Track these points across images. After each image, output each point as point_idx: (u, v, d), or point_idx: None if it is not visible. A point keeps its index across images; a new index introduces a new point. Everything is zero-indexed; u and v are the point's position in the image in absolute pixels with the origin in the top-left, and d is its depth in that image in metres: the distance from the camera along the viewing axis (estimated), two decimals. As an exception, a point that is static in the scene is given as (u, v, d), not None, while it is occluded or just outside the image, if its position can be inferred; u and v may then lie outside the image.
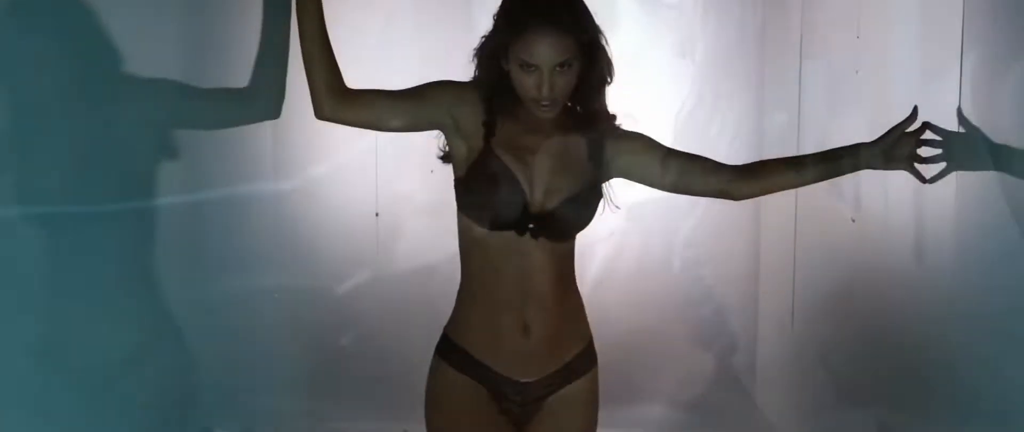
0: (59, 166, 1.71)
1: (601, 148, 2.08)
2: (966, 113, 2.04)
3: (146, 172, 1.97)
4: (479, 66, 2.06)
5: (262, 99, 2.28)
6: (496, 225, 2.02)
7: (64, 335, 1.73)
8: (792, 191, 3.23)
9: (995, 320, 1.93)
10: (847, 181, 2.80)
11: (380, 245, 3.20)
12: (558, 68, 1.93)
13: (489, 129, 2.04)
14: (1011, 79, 1.88)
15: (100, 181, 1.83)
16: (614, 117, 2.10)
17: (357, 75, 3.07)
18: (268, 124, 2.55)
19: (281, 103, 2.28)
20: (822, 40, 3.13)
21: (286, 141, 2.91)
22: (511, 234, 2.01)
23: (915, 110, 2.04)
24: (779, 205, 3.14)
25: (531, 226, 2.01)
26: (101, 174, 1.83)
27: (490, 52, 2.02)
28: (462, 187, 2.05)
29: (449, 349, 2.14)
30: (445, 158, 2.12)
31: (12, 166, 1.58)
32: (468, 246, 2.09)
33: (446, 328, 2.17)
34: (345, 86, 2.10)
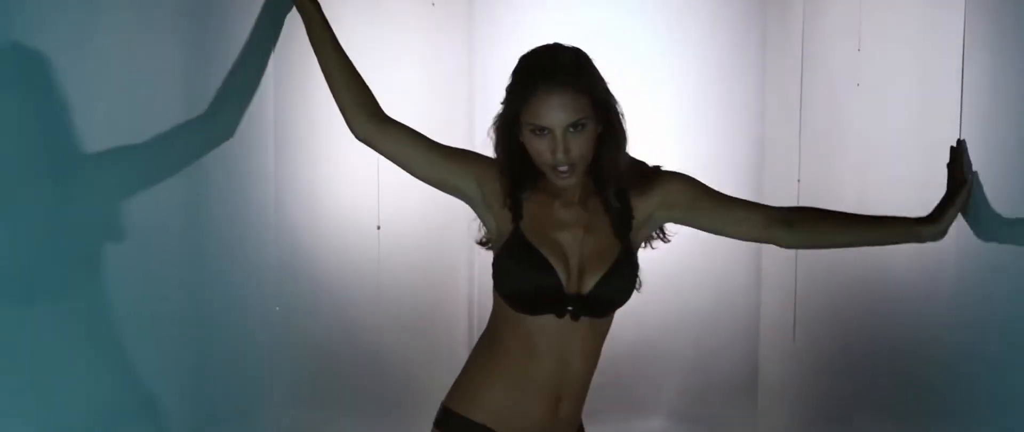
0: (59, 167, 1.71)
1: (631, 210, 2.01)
2: (967, 123, 2.04)
3: (146, 183, 1.97)
4: (497, 143, 1.99)
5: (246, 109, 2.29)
6: (534, 310, 1.97)
7: (61, 341, 1.73)
8: (794, 200, 3.24)
9: (999, 329, 1.93)
10: (849, 189, 2.80)
11: (381, 258, 3.20)
12: (571, 129, 1.87)
13: (516, 212, 1.99)
14: (1012, 91, 1.88)
15: (100, 188, 1.83)
16: (654, 170, 2.02)
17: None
18: (269, 136, 2.55)
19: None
20: (823, 53, 3.13)
21: (288, 154, 2.92)
22: (551, 318, 1.96)
23: (967, 182, 1.96)
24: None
25: (570, 308, 1.95)
26: (101, 180, 1.83)
27: (504, 124, 1.96)
28: (496, 270, 2.00)
29: (460, 425, 2.06)
30: (485, 243, 2.09)
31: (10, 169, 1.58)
32: (502, 323, 2.03)
33: (450, 402, 2.10)
34: (379, 111, 2.10)
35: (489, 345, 2.07)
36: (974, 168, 1.95)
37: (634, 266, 2.01)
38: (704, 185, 2.04)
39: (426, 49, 3.26)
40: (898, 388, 2.48)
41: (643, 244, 2.07)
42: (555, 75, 1.87)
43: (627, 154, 1.99)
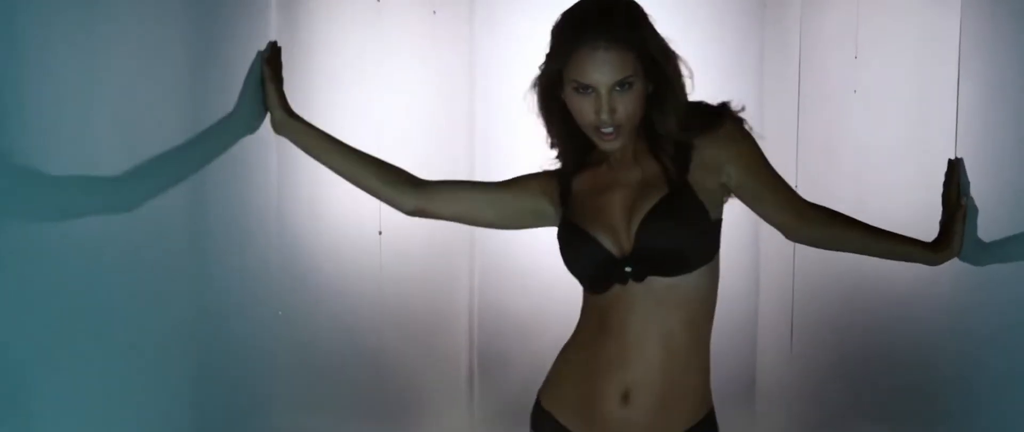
0: (59, 169, 1.71)
1: (689, 149, 1.83)
2: (964, 130, 2.05)
3: (147, 187, 1.98)
4: (539, 106, 1.87)
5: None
6: (595, 286, 1.84)
7: (60, 344, 1.73)
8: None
9: (995, 335, 1.93)
10: (846, 195, 2.81)
11: (383, 264, 3.21)
12: (617, 88, 1.73)
13: (565, 196, 1.89)
14: (1008, 97, 1.89)
15: (100, 193, 1.83)
16: (719, 109, 1.84)
17: (356, 97, 3.10)
18: (271, 141, 2.56)
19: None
20: (820, 60, 3.15)
21: (289, 158, 2.93)
22: (620, 290, 1.80)
23: (964, 202, 1.92)
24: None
25: (628, 269, 1.78)
26: (102, 185, 1.83)
27: (545, 84, 1.83)
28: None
29: (539, 417, 1.96)
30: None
31: (10, 174, 1.59)
32: (583, 308, 1.91)
33: (538, 392, 1.99)
34: (415, 180, 1.98)
35: (573, 332, 1.95)
36: (970, 177, 1.96)
37: (689, 206, 1.80)
38: (759, 149, 1.90)
39: (428, 55, 3.27)
40: (895, 394, 2.49)
41: (718, 196, 1.86)
42: (602, 29, 1.72)
43: (684, 110, 1.82)
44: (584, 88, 1.75)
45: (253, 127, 2.24)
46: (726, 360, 3.63)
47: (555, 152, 1.94)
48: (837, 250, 1.98)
